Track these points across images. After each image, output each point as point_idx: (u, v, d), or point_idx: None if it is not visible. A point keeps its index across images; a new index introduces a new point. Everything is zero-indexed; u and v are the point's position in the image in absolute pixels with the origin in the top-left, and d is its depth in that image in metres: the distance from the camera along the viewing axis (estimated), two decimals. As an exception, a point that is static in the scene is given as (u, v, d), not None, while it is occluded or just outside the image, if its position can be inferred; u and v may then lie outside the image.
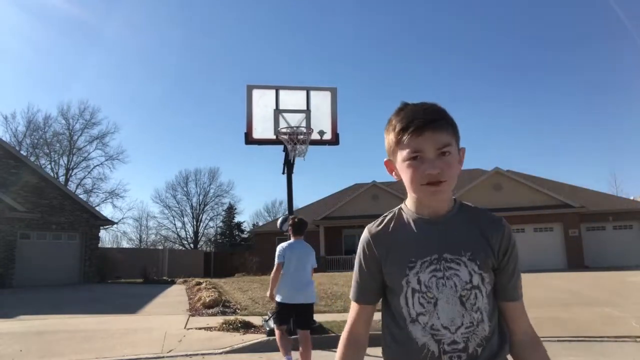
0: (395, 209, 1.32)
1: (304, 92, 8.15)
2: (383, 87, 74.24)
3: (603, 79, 61.05)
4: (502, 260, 1.23)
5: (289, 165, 7.87)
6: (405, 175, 1.20)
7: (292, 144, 7.64)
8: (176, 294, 13.91)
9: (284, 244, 5.12)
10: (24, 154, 31.05)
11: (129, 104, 69.13)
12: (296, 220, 5.27)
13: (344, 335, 1.32)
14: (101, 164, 40.58)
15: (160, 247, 40.73)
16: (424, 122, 1.16)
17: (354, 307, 1.34)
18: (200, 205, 50.19)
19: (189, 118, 74.79)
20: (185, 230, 50.10)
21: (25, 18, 54.28)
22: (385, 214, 1.33)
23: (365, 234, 1.32)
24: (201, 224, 50.51)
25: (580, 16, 60.51)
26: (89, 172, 40.70)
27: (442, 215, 1.24)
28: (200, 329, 7.70)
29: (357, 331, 1.32)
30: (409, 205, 1.29)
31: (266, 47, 73.08)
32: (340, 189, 33.01)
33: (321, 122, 7.95)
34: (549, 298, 11.06)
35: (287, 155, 7.83)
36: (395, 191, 28.35)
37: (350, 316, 1.34)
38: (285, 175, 7.96)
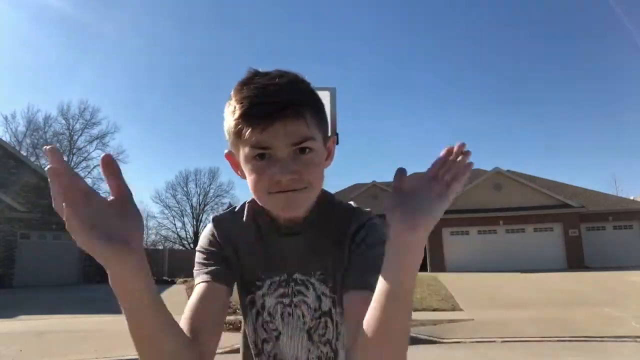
0: (245, 204, 1.01)
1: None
2: (383, 87, 74.27)
3: (603, 79, 61.06)
4: (349, 255, 0.91)
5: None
6: (249, 180, 0.87)
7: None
8: (176, 294, 13.92)
9: None
10: (24, 154, 31.04)
11: (129, 104, 69.15)
12: None
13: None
14: (101, 164, 40.58)
15: (160, 247, 40.73)
16: (273, 108, 0.80)
17: (201, 288, 0.91)
18: (200, 205, 50.21)
19: (189, 118, 74.80)
20: (185, 230, 50.10)
21: (26, 18, 54.31)
22: (234, 206, 1.04)
23: (210, 226, 1.01)
24: (201, 224, 50.48)
25: (580, 16, 60.54)
26: (89, 172, 40.67)
27: (298, 223, 0.93)
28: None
29: (200, 326, 0.85)
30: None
31: (266, 47, 73.10)
32: (340, 189, 33.05)
33: (321, 122, 7.95)
34: (549, 298, 11.07)
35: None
36: (395, 191, 28.34)
37: (191, 303, 0.89)
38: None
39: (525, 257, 21.38)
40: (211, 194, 50.88)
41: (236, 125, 0.83)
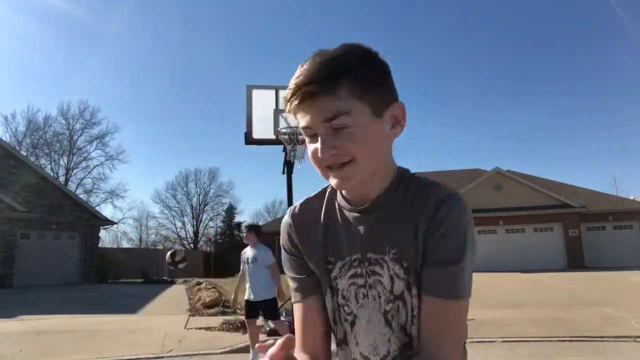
0: (324, 188, 1.01)
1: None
2: (383, 87, 74.06)
3: (603, 79, 61.06)
4: (427, 242, 0.86)
5: (289, 165, 7.86)
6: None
7: (292, 144, 7.63)
8: (176, 294, 13.92)
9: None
10: (24, 154, 31.03)
11: (129, 104, 69.16)
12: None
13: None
14: (101, 164, 40.61)
15: (160, 247, 40.72)
16: (299, 87, 0.82)
17: (298, 310, 0.97)
18: (200, 205, 50.23)
19: (189, 118, 74.79)
20: (185, 230, 50.13)
21: (25, 18, 54.28)
22: (312, 194, 1.03)
23: (286, 220, 1.02)
24: (201, 224, 50.54)
25: (580, 16, 60.53)
26: (89, 172, 40.68)
27: (372, 200, 0.91)
28: (200, 329, 7.71)
29: (310, 343, 0.93)
30: None
31: (266, 47, 73.10)
32: (340, 189, 32.99)
33: (321, 122, 7.96)
34: (549, 298, 11.07)
35: (286, 155, 7.82)
36: (395, 191, 28.35)
37: (296, 323, 0.97)
38: (285, 175, 7.96)
39: (525, 257, 21.38)
40: (211, 194, 50.84)
41: (288, 111, 0.87)
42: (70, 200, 20.66)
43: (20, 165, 18.95)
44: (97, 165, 40.68)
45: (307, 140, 0.87)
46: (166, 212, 49.57)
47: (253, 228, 5.92)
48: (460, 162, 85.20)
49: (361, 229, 0.92)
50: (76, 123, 40.23)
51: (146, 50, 67.97)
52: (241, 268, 5.78)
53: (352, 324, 0.91)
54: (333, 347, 0.96)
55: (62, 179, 37.06)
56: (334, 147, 0.82)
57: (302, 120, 0.85)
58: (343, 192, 0.95)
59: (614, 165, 77.97)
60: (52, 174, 31.70)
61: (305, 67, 0.84)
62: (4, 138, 26.55)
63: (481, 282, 15.95)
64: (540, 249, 21.90)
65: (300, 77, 0.82)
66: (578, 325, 7.55)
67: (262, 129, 7.91)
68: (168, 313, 9.88)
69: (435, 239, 0.85)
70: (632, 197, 27.82)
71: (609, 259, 21.34)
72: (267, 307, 5.56)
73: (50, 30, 59.08)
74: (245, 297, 5.64)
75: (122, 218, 43.10)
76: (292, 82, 0.83)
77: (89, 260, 20.41)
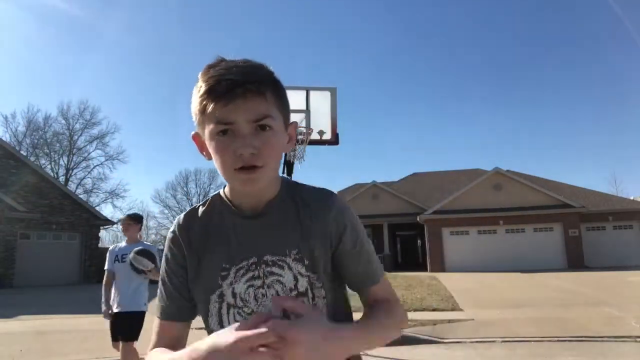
0: (210, 197, 1.05)
1: (303, 92, 8.13)
2: (383, 87, 74.25)
3: (603, 79, 61.06)
4: (339, 244, 0.98)
5: (288, 166, 7.86)
6: (214, 156, 0.92)
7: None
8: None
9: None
10: (24, 154, 31.03)
11: (129, 104, 69.16)
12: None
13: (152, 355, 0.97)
14: (101, 164, 40.61)
15: (160, 247, 40.66)
16: (235, 84, 0.86)
17: (157, 325, 1.02)
18: (200, 205, 50.25)
19: (189, 118, 74.55)
20: (186, 230, 50.15)
21: (26, 18, 54.30)
22: (198, 204, 1.06)
23: (171, 229, 1.04)
24: (201, 224, 50.57)
25: (580, 15, 60.53)
26: (89, 172, 40.65)
27: (263, 206, 0.97)
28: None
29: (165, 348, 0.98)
30: (226, 192, 1.02)
31: (266, 47, 73.08)
32: (340, 189, 33.04)
33: (321, 122, 7.93)
34: (549, 298, 11.07)
35: (286, 156, 7.82)
36: (396, 191, 28.38)
37: (154, 334, 1.02)
38: (284, 176, 7.97)
39: (525, 257, 21.38)
40: (211, 194, 50.86)
41: (201, 102, 0.89)
42: (70, 200, 20.66)
43: (20, 165, 18.95)
44: (97, 165, 40.72)
45: (214, 137, 0.89)
46: (166, 212, 49.63)
47: (137, 218, 4.72)
48: (460, 162, 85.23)
49: (256, 233, 0.97)
50: (76, 123, 40.27)
51: (146, 49, 67.99)
52: (106, 268, 4.53)
53: None
54: None
55: (62, 179, 37.06)
56: (253, 147, 0.87)
57: (223, 116, 0.87)
58: (234, 198, 1.00)
59: (614, 165, 78.03)
60: (52, 174, 31.69)
61: (232, 67, 0.89)
62: (4, 138, 26.59)
63: (481, 282, 15.96)
64: (540, 249, 21.89)
65: (231, 75, 0.87)
66: (578, 325, 7.54)
67: (262, 129, 7.91)
68: (168, 313, 9.88)
69: (343, 234, 0.99)
70: (632, 197, 27.83)
71: (609, 259, 21.34)
72: (131, 323, 4.32)
73: (50, 30, 59.12)
74: (114, 309, 4.40)
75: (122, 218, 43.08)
76: (217, 79, 0.87)
77: (89, 260, 20.40)
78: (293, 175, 8.08)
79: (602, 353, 6.02)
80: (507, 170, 24.11)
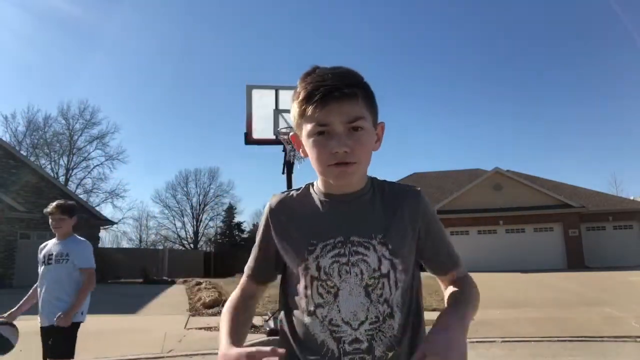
0: (304, 185, 1.17)
1: (303, 92, 8.17)
2: (383, 86, 74.25)
3: (603, 79, 61.05)
4: (427, 234, 1.10)
5: (288, 166, 7.86)
6: (310, 153, 1.03)
7: (291, 144, 7.64)
8: (176, 294, 13.92)
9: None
10: (24, 154, 31.02)
11: (129, 104, 69.16)
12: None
13: (226, 306, 1.14)
14: (101, 164, 40.57)
15: (160, 247, 40.72)
16: (330, 90, 0.97)
17: (243, 280, 1.20)
18: (200, 205, 50.18)
19: (189, 118, 74.75)
20: (185, 230, 50.10)
21: (26, 18, 54.28)
22: (292, 189, 1.19)
23: (265, 210, 1.17)
24: (201, 224, 50.50)
25: (580, 14, 60.52)
26: (89, 172, 40.59)
27: (352, 194, 1.08)
28: (200, 329, 7.71)
29: (240, 300, 1.16)
30: (318, 184, 1.13)
31: (266, 47, 73.09)
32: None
33: (321, 122, 7.97)
34: (549, 298, 11.07)
35: (286, 155, 7.82)
36: (395, 191, 28.33)
37: (239, 285, 1.20)
38: (285, 176, 7.96)
39: (525, 257, 21.36)
40: (211, 194, 50.72)
41: (300, 106, 1.01)
42: (70, 200, 20.66)
43: (20, 165, 18.94)
44: (97, 165, 40.68)
45: (311, 136, 1.01)
46: (166, 212, 49.57)
47: (68, 209, 3.83)
48: (460, 162, 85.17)
49: (344, 215, 1.07)
50: (76, 123, 40.24)
51: (146, 50, 67.99)
52: (40, 271, 3.64)
53: (336, 295, 1.03)
54: (303, 316, 1.08)
55: (62, 179, 37.04)
56: (347, 145, 0.97)
57: (320, 119, 0.98)
58: (326, 188, 1.10)
59: (614, 165, 78.03)
60: (52, 174, 31.67)
61: (327, 73, 1.00)
62: (4, 138, 26.59)
63: (481, 282, 15.72)
64: (540, 249, 21.89)
65: (326, 82, 0.98)
66: (578, 325, 7.54)
67: (262, 128, 7.91)
68: (168, 313, 9.88)
69: (427, 224, 1.11)
70: (632, 197, 27.82)
71: (609, 259, 21.33)
72: (57, 337, 3.49)
73: (50, 30, 59.10)
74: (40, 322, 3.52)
75: (122, 218, 43.03)
76: (315, 85, 0.98)
77: (89, 260, 20.38)
78: (293, 175, 8.09)
79: (602, 353, 6.02)
80: (507, 170, 24.10)
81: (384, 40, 72.26)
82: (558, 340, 6.61)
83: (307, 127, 1.01)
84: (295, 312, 1.09)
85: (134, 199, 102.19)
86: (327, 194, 1.10)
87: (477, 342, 6.76)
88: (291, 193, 1.16)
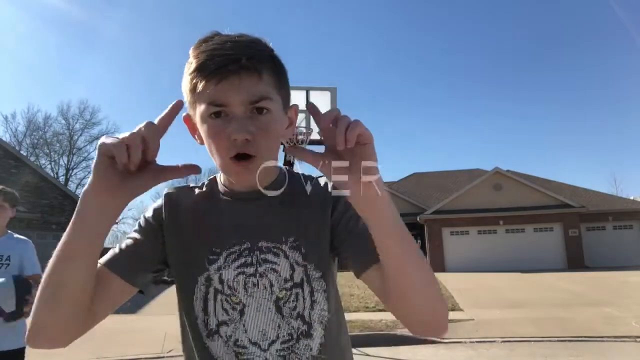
0: (205, 181, 0.99)
1: (303, 92, 8.13)
2: (383, 86, 74.25)
3: (603, 79, 61.05)
4: (338, 226, 0.90)
5: (288, 166, 7.87)
6: (206, 141, 0.84)
7: (291, 144, 7.65)
8: (176, 294, 13.90)
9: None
10: (24, 154, 31.01)
11: (129, 104, 69.17)
12: None
13: None
14: (101, 164, 40.53)
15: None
16: (229, 60, 0.77)
17: (101, 270, 0.87)
18: (200, 205, 50.25)
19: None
20: (185, 230, 50.15)
21: (26, 18, 54.29)
22: (197, 183, 1.00)
23: (162, 198, 0.97)
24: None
25: (580, 14, 60.52)
26: (89, 172, 40.43)
27: (259, 191, 0.84)
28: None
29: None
30: (221, 179, 0.97)
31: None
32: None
33: (321, 122, 7.98)
34: (549, 298, 11.07)
35: (286, 155, 7.83)
36: (396, 191, 28.36)
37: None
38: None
39: (525, 257, 21.36)
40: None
41: (192, 79, 0.81)
42: (70, 200, 20.65)
43: (20, 165, 18.94)
44: (97, 165, 40.62)
45: (204, 118, 0.82)
46: (166, 212, 49.58)
47: (11, 197, 3.28)
48: (460, 162, 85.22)
49: (251, 217, 0.91)
50: (76, 123, 40.23)
51: (146, 49, 68.02)
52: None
53: (241, 312, 0.88)
54: (203, 337, 0.92)
55: (62, 179, 37.05)
56: (249, 132, 0.78)
57: (215, 96, 0.79)
58: (230, 183, 0.93)
59: (614, 165, 78.05)
60: (52, 174, 31.68)
61: (226, 42, 0.80)
62: (4, 138, 26.60)
63: (481, 282, 15.94)
64: (540, 249, 21.88)
65: (225, 50, 0.78)
66: (578, 325, 7.54)
67: (262, 129, 7.92)
68: (168, 313, 9.87)
69: (341, 216, 0.90)
70: (632, 197, 27.82)
71: (609, 259, 21.33)
72: None
73: (50, 30, 59.11)
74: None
75: (122, 218, 43.02)
76: (209, 54, 0.78)
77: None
78: (293, 175, 8.11)
79: (602, 353, 6.02)
80: (507, 170, 24.10)
81: (383, 38, 72.28)
82: (558, 340, 6.61)
83: (201, 108, 0.81)
84: (194, 333, 0.92)
85: (134, 198, 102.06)
86: (230, 192, 0.93)
87: (477, 342, 6.76)
88: (192, 190, 0.98)
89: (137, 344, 6.72)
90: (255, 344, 0.88)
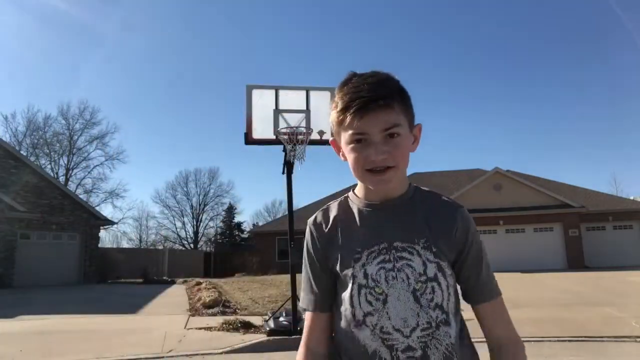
0: (342, 197, 1.19)
1: (303, 92, 8.13)
2: (383, 87, 74.05)
3: (603, 79, 61.05)
4: (461, 251, 1.08)
5: (288, 165, 7.85)
6: (349, 159, 1.06)
7: (291, 144, 7.63)
8: (176, 294, 13.91)
9: None
10: (24, 154, 31.03)
11: (129, 104, 69.13)
12: None
13: (300, 351, 1.14)
14: (101, 164, 40.58)
15: (160, 247, 40.70)
16: (368, 100, 1.00)
17: (307, 317, 1.15)
18: (200, 205, 50.19)
19: (189, 118, 74.75)
20: (185, 230, 50.10)
21: (26, 18, 54.28)
22: (329, 203, 1.20)
23: (307, 229, 1.17)
24: (201, 224, 50.51)
25: (580, 14, 60.51)
26: (89, 172, 40.54)
27: (393, 200, 1.09)
28: (200, 329, 7.70)
29: (314, 343, 1.13)
30: (357, 192, 1.16)
31: (266, 47, 73.09)
32: (340, 189, 33.01)
33: (321, 122, 7.94)
34: (549, 298, 11.07)
35: (286, 155, 7.81)
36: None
37: (305, 327, 1.16)
38: (285, 175, 7.96)
39: (525, 257, 21.36)
40: (211, 194, 50.76)
41: (338, 116, 1.05)
42: (70, 200, 20.65)
43: (20, 165, 18.93)
44: (97, 165, 40.68)
45: (349, 144, 1.04)
46: (166, 212, 49.59)
47: None
48: (460, 162, 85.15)
49: (386, 222, 1.08)
50: (76, 123, 40.24)
51: (146, 49, 67.98)
52: None
53: (384, 302, 1.03)
54: (350, 327, 1.06)
55: (62, 179, 37.05)
56: (384, 152, 1.01)
57: (357, 128, 1.01)
58: (365, 194, 1.12)
59: (614, 165, 78.02)
60: (52, 174, 31.68)
61: (363, 84, 1.02)
62: (4, 138, 26.59)
63: (481, 282, 15.84)
64: (540, 249, 21.89)
65: (362, 92, 1.01)
66: (578, 325, 7.54)
67: (262, 129, 7.91)
68: (168, 313, 9.88)
69: (466, 242, 1.09)
70: (632, 197, 27.83)
71: (609, 259, 21.34)
72: None
73: (50, 30, 59.09)
74: None
75: (122, 218, 43.07)
76: (351, 97, 1.01)
77: (89, 260, 20.39)
78: (293, 175, 8.09)
79: (602, 353, 6.02)
80: (507, 170, 24.10)
81: (383, 38, 72.23)
82: (558, 340, 6.61)
83: (345, 136, 1.05)
84: (344, 322, 1.07)
85: (134, 199, 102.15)
86: (368, 202, 1.12)
87: (477, 342, 6.75)
88: (329, 206, 1.18)
89: (137, 344, 6.72)
90: (398, 330, 1.01)
